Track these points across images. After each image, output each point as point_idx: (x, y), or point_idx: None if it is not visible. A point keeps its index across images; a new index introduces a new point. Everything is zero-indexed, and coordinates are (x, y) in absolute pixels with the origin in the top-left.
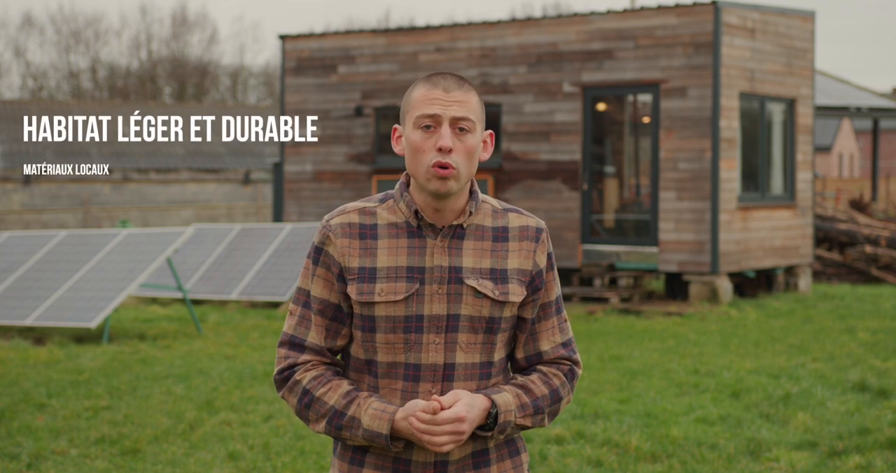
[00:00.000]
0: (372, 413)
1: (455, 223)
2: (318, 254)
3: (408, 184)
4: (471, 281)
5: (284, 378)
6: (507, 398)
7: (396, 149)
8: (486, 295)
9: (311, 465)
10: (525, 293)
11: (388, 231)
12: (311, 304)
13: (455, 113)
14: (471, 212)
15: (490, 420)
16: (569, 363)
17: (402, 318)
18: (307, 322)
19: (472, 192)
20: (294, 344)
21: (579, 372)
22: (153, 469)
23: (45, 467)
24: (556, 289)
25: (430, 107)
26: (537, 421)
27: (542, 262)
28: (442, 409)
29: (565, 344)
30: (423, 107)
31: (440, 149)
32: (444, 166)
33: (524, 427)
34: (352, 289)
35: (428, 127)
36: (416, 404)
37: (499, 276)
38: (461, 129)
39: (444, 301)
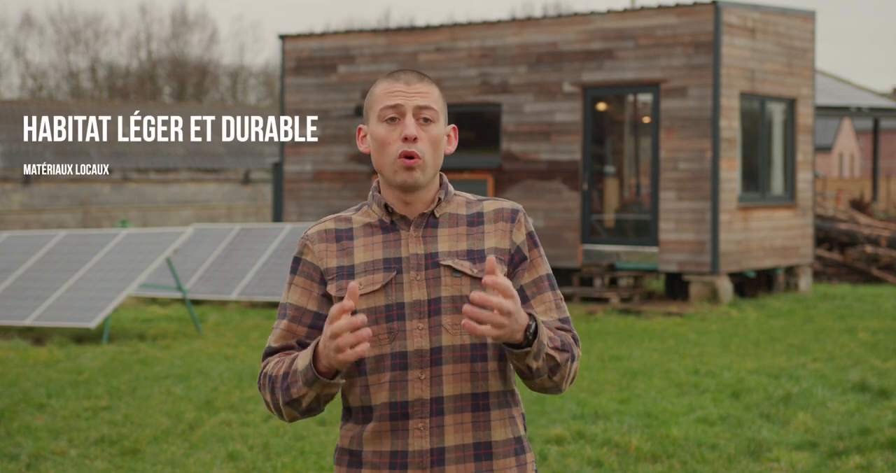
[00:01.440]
0: (303, 354)
1: (426, 211)
2: (297, 264)
3: (379, 189)
4: (447, 262)
5: (260, 382)
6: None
7: (362, 147)
8: (463, 273)
9: (310, 465)
10: (506, 269)
11: (363, 231)
12: (286, 315)
13: (418, 102)
14: (440, 200)
15: (529, 334)
16: (570, 332)
17: (382, 308)
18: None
19: (441, 184)
20: (270, 354)
21: (579, 351)
22: (153, 469)
23: (45, 467)
24: (546, 267)
25: (392, 99)
26: (563, 362)
27: (520, 239)
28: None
29: (563, 321)
30: (385, 100)
31: (405, 139)
32: (409, 156)
33: (552, 366)
34: (332, 288)
35: (392, 119)
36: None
37: (476, 256)
38: (425, 120)
39: (423, 286)
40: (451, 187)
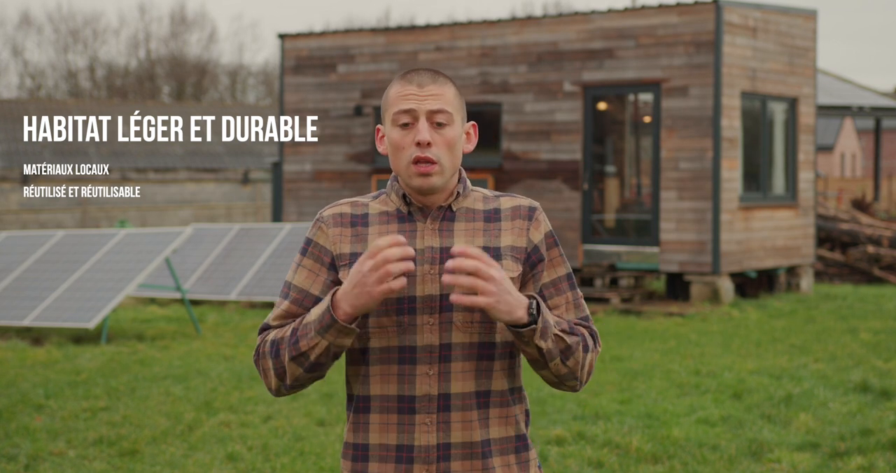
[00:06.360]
0: (314, 308)
1: (444, 204)
2: (308, 245)
3: (398, 180)
4: None
5: (258, 353)
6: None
7: (381, 149)
8: None
9: (310, 466)
10: (521, 269)
11: (378, 219)
12: (288, 296)
13: (430, 106)
14: (458, 193)
15: (533, 311)
16: (589, 328)
17: (394, 300)
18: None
19: (460, 179)
20: (266, 328)
21: (598, 346)
22: (151, 470)
23: (43, 468)
24: (565, 267)
25: (405, 103)
26: (574, 344)
27: (537, 238)
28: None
29: (583, 319)
30: (398, 104)
31: (418, 144)
32: (424, 161)
33: (563, 348)
34: (343, 275)
35: (406, 124)
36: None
37: (492, 254)
38: (439, 124)
39: (436, 281)
40: (468, 182)
